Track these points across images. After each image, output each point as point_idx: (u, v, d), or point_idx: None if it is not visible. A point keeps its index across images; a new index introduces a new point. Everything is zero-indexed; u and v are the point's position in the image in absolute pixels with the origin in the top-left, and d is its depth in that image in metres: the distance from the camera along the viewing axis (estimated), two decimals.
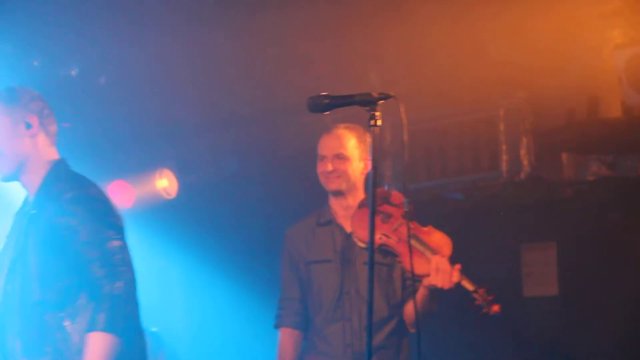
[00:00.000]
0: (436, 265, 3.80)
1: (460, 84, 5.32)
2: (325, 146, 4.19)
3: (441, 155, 5.90)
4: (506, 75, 5.22)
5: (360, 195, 4.21)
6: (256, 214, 6.44)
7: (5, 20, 5.13)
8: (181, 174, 6.67)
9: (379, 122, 3.03)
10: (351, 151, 4.15)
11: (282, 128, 6.02)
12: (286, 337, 4.20)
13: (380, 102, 3.04)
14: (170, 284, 6.91)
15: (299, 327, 4.20)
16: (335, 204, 4.23)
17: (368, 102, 3.04)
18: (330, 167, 4.14)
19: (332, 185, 4.17)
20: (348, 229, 4.15)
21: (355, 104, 3.06)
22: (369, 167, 4.12)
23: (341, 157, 4.14)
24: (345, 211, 4.18)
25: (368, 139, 4.12)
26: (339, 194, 4.19)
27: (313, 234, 4.24)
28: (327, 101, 3.11)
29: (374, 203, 3.03)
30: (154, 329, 5.75)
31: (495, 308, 3.76)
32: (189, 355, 6.51)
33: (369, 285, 3.02)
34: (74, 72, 5.69)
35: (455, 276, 3.78)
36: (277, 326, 4.24)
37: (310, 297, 4.19)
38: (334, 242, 4.17)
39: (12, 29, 5.24)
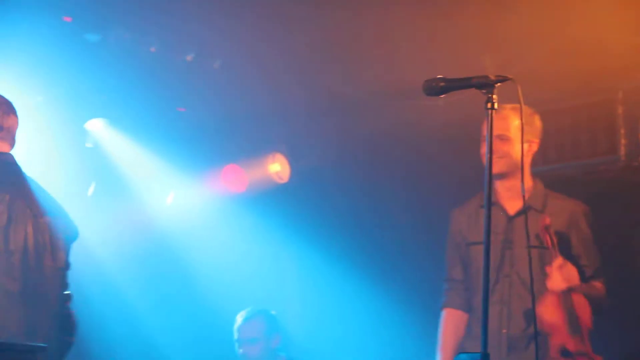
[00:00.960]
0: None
1: (577, 66, 5.19)
2: (487, 127, 4.07)
3: (557, 139, 5.78)
4: (625, 57, 5.08)
5: (526, 177, 4.12)
6: (369, 199, 6.43)
7: (123, 8, 5.25)
8: (293, 158, 6.71)
9: (496, 105, 3.01)
10: (514, 132, 4.07)
11: (396, 112, 5.99)
12: (448, 317, 4.21)
13: (498, 84, 3.01)
14: (284, 269, 6.96)
15: (462, 309, 4.19)
16: (498, 185, 4.18)
17: (485, 84, 3.01)
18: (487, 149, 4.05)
19: (493, 167, 4.09)
20: (510, 212, 4.11)
21: (472, 87, 3.04)
22: (535, 149, 4.08)
23: (503, 139, 4.07)
24: (509, 192, 4.14)
25: (537, 121, 4.08)
26: (501, 176, 4.12)
27: (475, 215, 4.21)
28: (443, 84, 3.09)
29: (490, 188, 3.01)
30: (273, 312, 5.82)
31: None
32: (304, 341, 6.55)
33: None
34: (189, 58, 5.78)
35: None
36: (441, 307, 4.24)
37: (469, 278, 4.18)
38: (495, 224, 4.08)
39: (129, 17, 5.36)
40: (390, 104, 5.85)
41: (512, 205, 4.13)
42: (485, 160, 4.03)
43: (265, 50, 5.56)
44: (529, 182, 4.20)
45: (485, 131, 4.00)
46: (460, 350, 4.15)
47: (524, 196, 3.60)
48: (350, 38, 5.37)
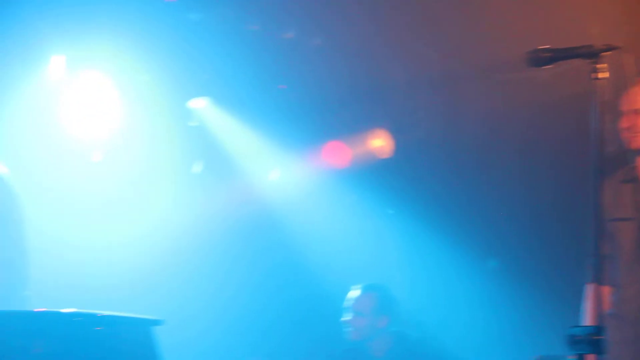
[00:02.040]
0: None
1: None
2: (625, 101, 3.92)
3: None
4: None
5: None
6: (475, 174, 6.37)
7: None
8: (396, 133, 6.69)
9: (603, 75, 2.93)
10: None
11: (498, 85, 5.91)
12: (593, 293, 4.11)
13: (604, 54, 2.94)
14: (386, 244, 6.96)
15: (607, 284, 4.01)
16: (638, 161, 4.01)
17: (592, 54, 2.94)
18: (625, 124, 3.90)
19: (631, 143, 3.93)
20: None
21: (578, 57, 2.97)
22: None
23: (638, 112, 3.88)
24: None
25: None
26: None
27: (617, 191, 4.04)
28: (548, 55, 3.03)
29: (602, 160, 2.93)
30: (391, 291, 5.82)
31: None
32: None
33: None
34: (290, 35, 5.82)
35: None
36: (587, 282, 4.16)
37: (614, 254, 4.03)
38: (635, 200, 3.98)
39: None
40: (495, 77, 5.77)
41: None
42: (623, 135, 3.94)
43: (367, 26, 5.55)
44: None
45: (622, 105, 3.90)
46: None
47: None
48: (453, 11, 5.32)
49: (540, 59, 3.03)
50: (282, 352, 6.31)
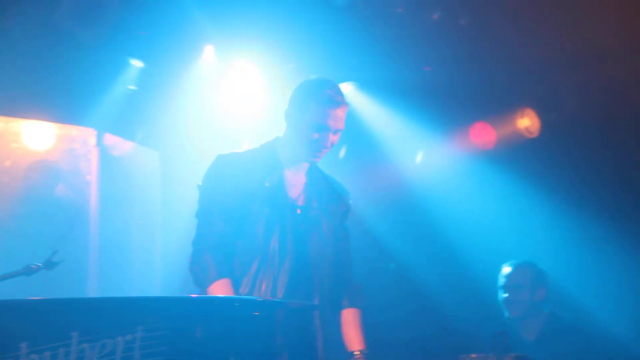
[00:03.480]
0: None
1: None
2: None
3: None
4: None
5: None
6: (622, 152, 6.19)
7: None
8: (543, 112, 6.57)
9: None
10: None
11: None
12: None
13: None
14: (531, 227, 6.86)
15: None
16: None
17: None
18: None
19: None
20: None
21: None
22: None
23: None
24: None
25: None
26: None
27: None
28: None
29: None
30: (540, 266, 5.76)
31: None
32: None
33: None
34: (435, 16, 5.78)
35: None
36: None
37: None
38: None
39: None
40: None
41: None
42: None
43: (513, 4, 5.46)
44: None
45: None
46: None
47: None
48: None
49: None
50: (429, 335, 6.33)
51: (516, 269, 5.61)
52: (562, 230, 6.63)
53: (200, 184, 3.98)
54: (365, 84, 6.48)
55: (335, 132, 3.89)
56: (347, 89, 6.42)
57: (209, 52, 5.95)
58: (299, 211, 3.95)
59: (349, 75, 6.41)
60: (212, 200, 3.88)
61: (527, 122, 6.62)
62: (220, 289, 3.70)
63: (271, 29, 5.65)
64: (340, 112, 3.88)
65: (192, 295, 3.23)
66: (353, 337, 3.96)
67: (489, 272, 6.01)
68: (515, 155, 6.63)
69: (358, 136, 6.56)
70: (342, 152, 6.60)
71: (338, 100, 3.88)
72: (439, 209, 6.70)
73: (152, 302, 3.09)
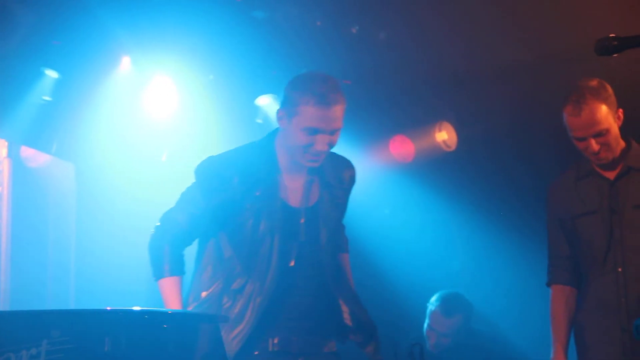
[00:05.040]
0: None
1: None
2: (579, 128, 3.96)
3: None
4: None
5: (620, 142, 4.04)
6: (537, 165, 6.30)
7: None
8: (461, 126, 6.65)
9: None
10: (607, 121, 3.93)
11: (565, 76, 5.83)
12: (557, 294, 4.16)
13: None
14: (452, 237, 6.93)
15: (570, 284, 4.14)
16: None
17: None
18: (595, 147, 3.94)
19: (601, 160, 4.01)
20: (610, 177, 4.04)
21: None
22: (622, 117, 3.97)
23: (601, 134, 3.93)
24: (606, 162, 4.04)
25: (610, 92, 3.94)
26: (607, 163, 4.04)
27: (575, 188, 4.12)
28: (615, 43, 2.97)
29: None
30: (463, 295, 5.77)
31: None
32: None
33: None
34: (354, 30, 5.81)
35: None
36: (548, 284, 4.20)
37: (579, 251, 4.10)
38: (597, 192, 4.05)
39: None
40: (562, 68, 5.69)
41: (610, 170, 4.04)
42: (587, 155, 4.00)
43: (431, 19, 5.52)
44: (621, 144, 4.05)
45: (578, 132, 3.93)
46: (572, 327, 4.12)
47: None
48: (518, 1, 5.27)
49: (607, 48, 2.98)
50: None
51: (448, 316, 5.55)
52: (478, 240, 6.72)
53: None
54: None
55: (332, 133, 3.54)
56: (266, 101, 6.42)
57: (126, 63, 5.88)
58: (302, 220, 3.66)
59: (269, 88, 6.40)
60: (193, 194, 3.70)
61: (444, 135, 6.69)
62: (168, 287, 3.63)
63: (189, 40, 5.62)
64: (334, 111, 3.51)
65: (100, 309, 3.17)
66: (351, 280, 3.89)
67: (408, 281, 6.05)
68: (434, 168, 6.69)
69: None
70: None
71: (329, 99, 3.49)
72: (358, 220, 6.71)
73: (57, 316, 3.02)
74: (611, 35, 2.98)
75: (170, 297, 3.64)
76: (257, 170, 3.63)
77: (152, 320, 3.06)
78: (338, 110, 3.53)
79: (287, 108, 3.57)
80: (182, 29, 5.56)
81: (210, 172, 3.68)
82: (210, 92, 6.12)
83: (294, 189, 3.68)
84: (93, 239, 5.85)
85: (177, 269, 3.67)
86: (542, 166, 6.20)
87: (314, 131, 3.50)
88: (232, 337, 3.55)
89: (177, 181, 6.17)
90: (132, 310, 3.11)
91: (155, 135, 6.18)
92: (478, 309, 6.16)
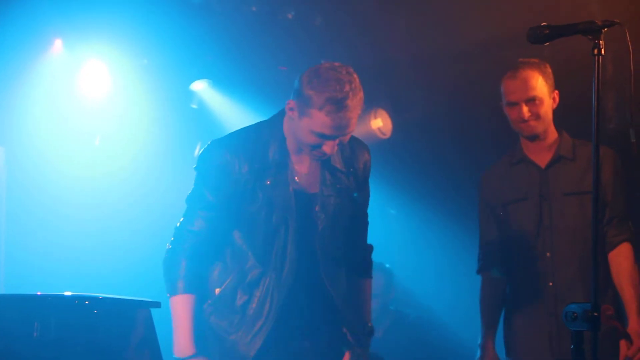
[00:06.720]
0: None
1: None
2: (514, 91, 4.05)
3: None
4: None
5: (552, 131, 4.13)
6: (472, 152, 6.36)
7: None
8: (395, 113, 6.68)
9: (603, 52, 2.92)
10: (541, 91, 4.03)
11: (499, 63, 5.89)
12: (487, 281, 4.21)
13: (605, 30, 2.93)
14: (389, 223, 6.96)
15: (499, 271, 4.20)
16: (528, 144, 4.16)
17: (592, 30, 2.93)
18: (526, 114, 4.03)
19: (529, 131, 4.08)
20: (542, 165, 4.11)
21: (578, 33, 2.96)
22: (557, 100, 4.04)
23: (534, 100, 4.02)
24: (538, 147, 4.12)
25: (549, 71, 4.03)
26: (535, 137, 4.11)
27: (507, 175, 4.20)
28: (547, 31, 3.02)
29: (597, 145, 2.91)
30: (387, 265, 5.81)
31: None
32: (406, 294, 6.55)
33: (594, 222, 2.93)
34: (290, 16, 5.80)
35: None
36: (478, 271, 4.25)
37: (510, 238, 4.17)
38: (529, 179, 4.13)
39: None
40: (495, 54, 5.75)
41: (542, 158, 4.11)
42: (515, 126, 4.10)
43: (366, 5, 5.53)
44: (554, 133, 4.15)
45: (511, 96, 4.03)
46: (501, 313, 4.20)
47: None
48: None
49: (539, 36, 3.02)
50: None
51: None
52: (411, 227, 6.77)
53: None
54: (219, 82, 6.43)
55: (343, 135, 3.31)
56: (200, 86, 6.37)
57: (58, 46, 5.79)
58: (317, 208, 3.43)
59: (203, 73, 6.36)
60: (200, 193, 3.40)
61: (379, 122, 6.71)
62: (180, 306, 3.36)
63: (122, 24, 5.55)
64: (348, 119, 3.25)
65: (30, 294, 3.13)
66: (368, 309, 3.71)
67: None
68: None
69: (211, 135, 6.51)
70: (197, 151, 6.54)
71: (345, 107, 3.22)
72: None
73: None
74: (543, 24, 3.02)
75: (180, 318, 3.39)
76: (267, 156, 3.39)
77: (83, 305, 3.04)
78: (354, 117, 3.29)
79: (299, 104, 3.29)
80: (115, 13, 5.50)
81: (216, 161, 3.40)
82: (144, 76, 6.05)
83: (302, 172, 3.45)
84: (23, 223, 5.76)
85: (192, 287, 3.39)
86: (477, 153, 6.26)
87: (324, 137, 3.27)
88: (254, 333, 3.37)
89: (111, 166, 6.18)
90: (62, 295, 3.08)
91: (88, 119, 6.10)
92: (412, 293, 6.22)
